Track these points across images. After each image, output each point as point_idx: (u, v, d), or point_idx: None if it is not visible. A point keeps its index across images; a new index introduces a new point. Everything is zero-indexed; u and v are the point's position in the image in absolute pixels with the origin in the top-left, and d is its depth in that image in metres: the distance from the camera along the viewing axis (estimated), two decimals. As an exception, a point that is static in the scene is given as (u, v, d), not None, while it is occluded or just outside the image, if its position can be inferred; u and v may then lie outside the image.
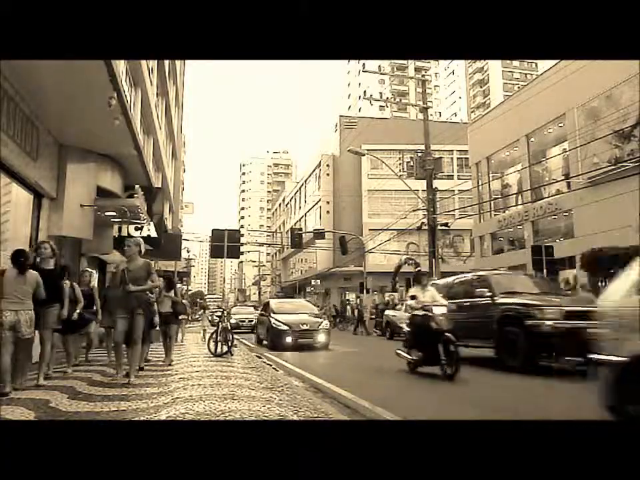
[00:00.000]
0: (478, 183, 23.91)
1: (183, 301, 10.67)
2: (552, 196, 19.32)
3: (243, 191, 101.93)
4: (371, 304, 26.85)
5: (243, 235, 30.58)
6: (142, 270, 5.99)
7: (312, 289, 41.88)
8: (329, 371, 8.25)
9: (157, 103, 16.25)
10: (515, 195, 22.24)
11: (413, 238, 32.87)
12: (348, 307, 30.92)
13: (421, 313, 7.27)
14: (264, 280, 65.96)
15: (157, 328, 7.93)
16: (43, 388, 5.23)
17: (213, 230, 12.95)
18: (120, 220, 10.84)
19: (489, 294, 8.46)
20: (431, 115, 29.65)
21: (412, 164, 24.52)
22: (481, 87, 78.82)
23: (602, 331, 3.67)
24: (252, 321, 23.64)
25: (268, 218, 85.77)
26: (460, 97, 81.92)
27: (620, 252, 10.99)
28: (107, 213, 10.07)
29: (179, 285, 26.51)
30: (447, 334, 6.86)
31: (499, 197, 23.51)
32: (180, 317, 10.16)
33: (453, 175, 34.79)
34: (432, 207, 18.47)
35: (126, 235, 12.96)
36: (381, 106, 64.69)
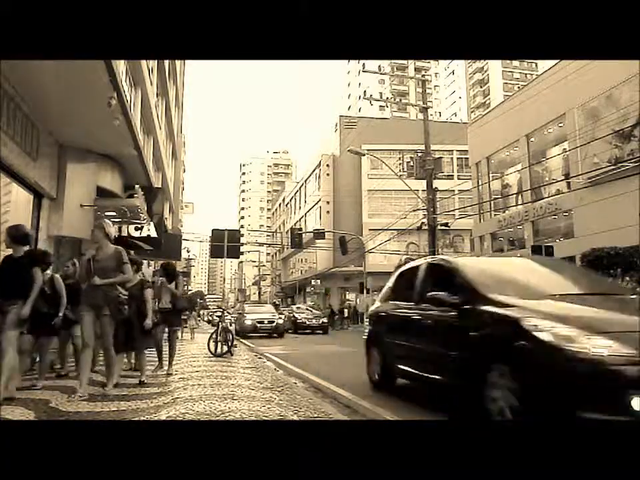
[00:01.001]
0: (478, 183, 23.89)
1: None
2: (552, 196, 19.30)
3: (243, 191, 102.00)
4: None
5: (242, 235, 30.64)
6: (111, 259, 4.94)
7: (312, 288, 41.89)
8: None
9: (157, 102, 16.24)
10: (515, 195, 22.22)
11: (412, 238, 32.86)
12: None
13: None
14: (264, 280, 65.98)
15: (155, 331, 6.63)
16: (43, 388, 5.22)
17: (213, 230, 12.95)
18: (120, 220, 10.85)
19: None
20: (431, 115, 29.62)
21: (412, 164, 24.54)
22: (481, 87, 78.84)
23: None
24: (272, 322, 19.26)
25: (268, 218, 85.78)
26: (460, 97, 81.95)
27: (620, 252, 10.99)
28: (107, 213, 10.07)
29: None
30: None
31: (499, 197, 23.49)
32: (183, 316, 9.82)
33: (453, 175, 34.80)
34: (432, 207, 18.48)
35: (126, 234, 12.98)
36: (380, 106, 64.67)
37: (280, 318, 20.43)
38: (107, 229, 5.02)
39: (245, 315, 19.84)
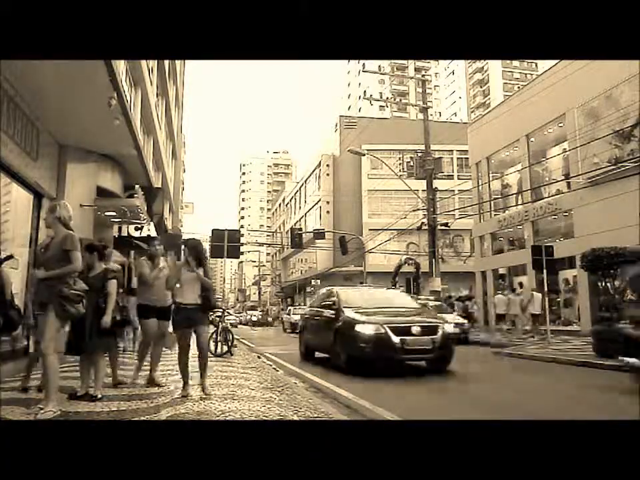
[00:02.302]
0: (478, 183, 23.87)
1: None
2: (552, 196, 19.29)
3: (243, 190, 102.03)
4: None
5: (242, 235, 30.57)
6: (57, 247, 4.02)
7: (312, 288, 41.87)
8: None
9: (157, 103, 16.23)
10: (514, 195, 22.21)
11: (413, 238, 32.85)
12: None
13: None
14: (264, 280, 65.97)
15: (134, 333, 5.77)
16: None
17: (213, 230, 12.91)
18: (120, 220, 10.85)
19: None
20: (431, 115, 29.63)
21: (412, 164, 24.52)
22: (481, 87, 78.86)
23: None
24: (433, 331, 7.65)
25: (268, 218, 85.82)
26: (460, 97, 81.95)
27: (620, 252, 10.98)
28: (106, 213, 10.07)
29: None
30: None
31: (499, 197, 23.48)
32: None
33: (453, 175, 34.78)
34: (432, 207, 18.48)
35: (126, 235, 12.99)
36: (381, 106, 64.69)
37: (451, 321, 10.60)
38: (58, 212, 4.09)
39: (346, 310, 8.44)
